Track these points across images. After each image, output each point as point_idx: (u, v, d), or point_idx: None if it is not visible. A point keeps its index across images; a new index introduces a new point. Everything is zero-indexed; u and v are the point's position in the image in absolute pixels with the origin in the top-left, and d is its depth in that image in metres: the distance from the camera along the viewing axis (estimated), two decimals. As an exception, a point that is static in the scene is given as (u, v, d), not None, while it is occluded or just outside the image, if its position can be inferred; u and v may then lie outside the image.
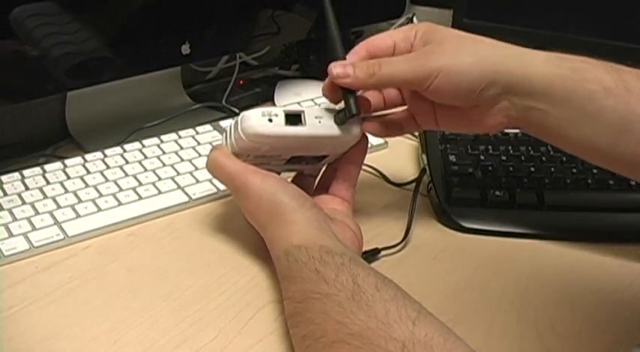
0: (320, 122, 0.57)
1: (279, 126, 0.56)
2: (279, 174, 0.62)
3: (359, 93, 0.57)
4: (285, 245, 0.52)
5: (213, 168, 0.59)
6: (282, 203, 0.54)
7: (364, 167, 0.74)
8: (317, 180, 0.65)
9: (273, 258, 0.55)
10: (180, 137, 0.77)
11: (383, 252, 0.62)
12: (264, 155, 0.58)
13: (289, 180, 0.63)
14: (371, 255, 0.61)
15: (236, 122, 0.57)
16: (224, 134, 0.60)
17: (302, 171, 0.65)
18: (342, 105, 0.57)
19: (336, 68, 0.55)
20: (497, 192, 0.68)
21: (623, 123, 0.51)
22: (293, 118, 0.56)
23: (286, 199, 0.54)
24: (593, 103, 0.52)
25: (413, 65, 0.54)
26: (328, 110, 0.58)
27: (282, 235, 0.53)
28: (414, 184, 0.71)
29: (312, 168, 0.64)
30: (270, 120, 0.56)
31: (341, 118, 0.57)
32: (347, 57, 0.57)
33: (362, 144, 0.61)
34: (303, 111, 0.57)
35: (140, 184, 0.69)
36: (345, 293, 0.45)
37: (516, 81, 0.53)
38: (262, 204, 0.55)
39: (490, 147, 0.74)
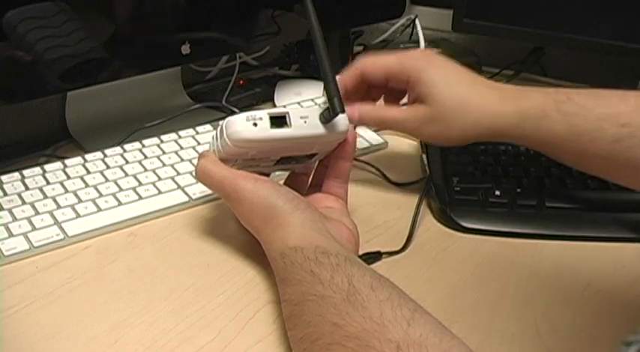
0: (305, 122, 0.57)
1: (264, 130, 0.56)
2: (269, 175, 0.62)
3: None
4: (280, 247, 0.52)
5: (201, 176, 0.59)
6: (276, 206, 0.54)
7: (365, 166, 0.75)
8: (310, 179, 0.66)
9: (270, 261, 0.55)
10: (180, 137, 0.77)
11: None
12: (252, 158, 0.58)
13: (282, 181, 0.63)
14: (372, 258, 0.61)
15: (221, 128, 0.57)
16: (210, 140, 0.60)
17: (293, 170, 0.65)
18: (326, 103, 0.57)
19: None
20: (497, 192, 0.68)
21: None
22: (278, 121, 0.56)
23: (280, 202, 0.54)
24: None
25: (412, 127, 0.64)
26: (313, 109, 0.58)
27: (277, 237, 0.53)
28: (414, 185, 0.71)
29: (302, 167, 0.64)
30: (255, 125, 0.55)
31: (326, 117, 0.57)
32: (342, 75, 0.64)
33: (350, 140, 0.61)
34: (287, 113, 0.57)
35: (140, 184, 0.69)
36: (341, 294, 0.45)
37: (499, 135, 0.62)
38: (256, 209, 0.55)
39: (490, 147, 0.74)
